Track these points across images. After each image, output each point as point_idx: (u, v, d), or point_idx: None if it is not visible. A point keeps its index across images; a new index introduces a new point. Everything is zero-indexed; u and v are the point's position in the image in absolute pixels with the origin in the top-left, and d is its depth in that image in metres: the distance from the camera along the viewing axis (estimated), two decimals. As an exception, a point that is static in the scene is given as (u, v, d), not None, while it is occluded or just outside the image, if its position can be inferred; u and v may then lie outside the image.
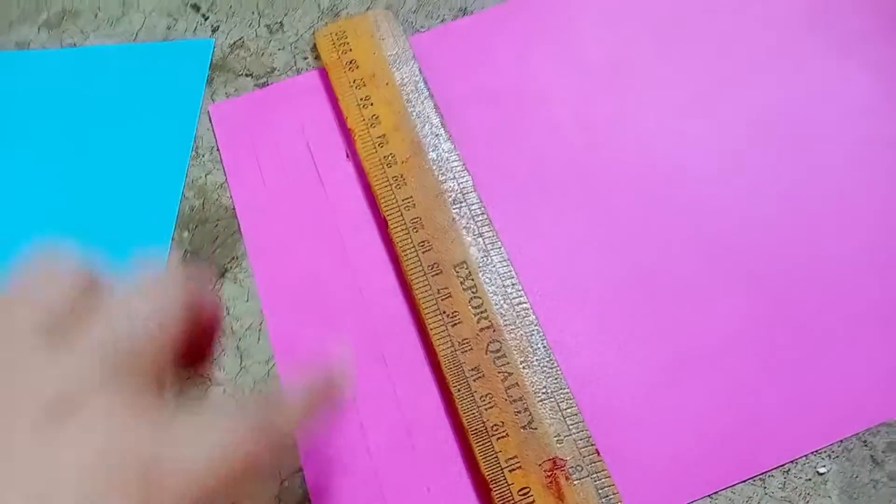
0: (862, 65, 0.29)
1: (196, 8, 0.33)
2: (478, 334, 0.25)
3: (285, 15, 0.33)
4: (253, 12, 0.33)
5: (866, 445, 0.23)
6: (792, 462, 0.23)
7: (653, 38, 0.30)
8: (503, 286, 0.26)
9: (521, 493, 0.22)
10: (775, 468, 0.22)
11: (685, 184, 0.27)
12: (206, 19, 0.33)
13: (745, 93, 0.29)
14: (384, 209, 0.27)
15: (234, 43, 0.32)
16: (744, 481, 0.22)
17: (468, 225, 0.27)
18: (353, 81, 0.30)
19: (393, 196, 0.27)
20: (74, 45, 0.33)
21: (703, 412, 0.24)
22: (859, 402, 0.23)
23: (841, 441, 0.23)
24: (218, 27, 0.33)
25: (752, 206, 0.27)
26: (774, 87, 0.29)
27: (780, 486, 0.22)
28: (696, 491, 0.22)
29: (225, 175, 0.29)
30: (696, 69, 0.30)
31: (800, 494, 0.22)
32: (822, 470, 0.22)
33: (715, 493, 0.22)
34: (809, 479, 0.22)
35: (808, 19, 0.30)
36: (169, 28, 0.33)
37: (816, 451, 0.23)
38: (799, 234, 0.26)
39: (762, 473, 0.22)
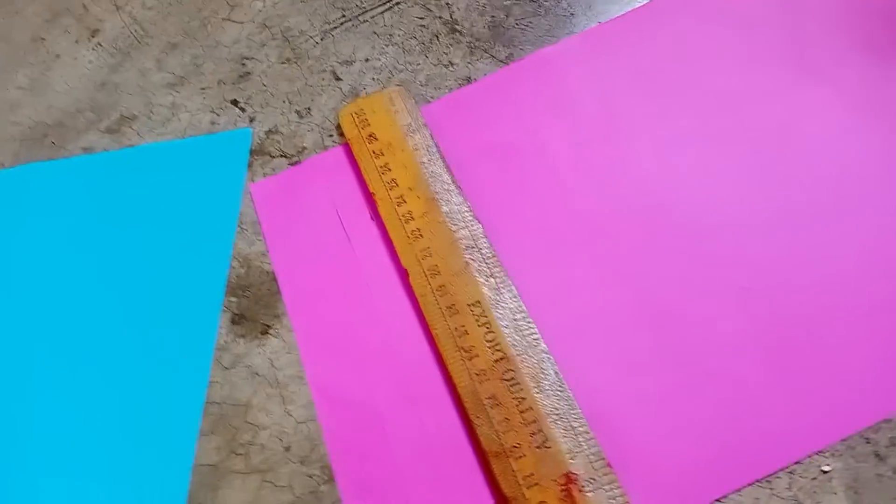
0: (839, 90, 0.31)
1: (235, 103, 0.38)
2: (493, 365, 0.27)
3: (312, 101, 0.37)
4: (284, 101, 0.37)
5: (869, 442, 0.24)
6: (797, 463, 0.24)
7: (637, 87, 0.33)
8: (514, 320, 0.28)
9: (537, 506, 0.24)
10: (780, 470, 0.24)
11: (680, 213, 0.30)
12: (244, 111, 0.37)
13: (729, 126, 0.31)
14: (404, 261, 0.30)
15: (270, 129, 0.36)
16: (750, 484, 0.23)
17: (480, 268, 0.29)
18: (373, 152, 0.34)
19: (411, 248, 0.30)
20: (132, 145, 0.37)
21: (707, 421, 0.25)
22: (860, 401, 0.24)
23: (844, 440, 0.24)
24: (255, 117, 0.37)
25: (745, 222, 0.29)
26: (757, 117, 0.31)
27: (786, 486, 0.23)
28: (705, 496, 0.24)
29: (265, 244, 0.33)
30: (679, 110, 0.32)
31: (806, 493, 0.23)
32: (826, 468, 0.23)
33: (723, 497, 0.23)
34: (815, 478, 0.23)
35: (779, 52, 0.33)
36: (213, 123, 0.37)
37: (820, 451, 0.24)
38: (794, 246, 0.28)
39: (768, 476, 0.24)
